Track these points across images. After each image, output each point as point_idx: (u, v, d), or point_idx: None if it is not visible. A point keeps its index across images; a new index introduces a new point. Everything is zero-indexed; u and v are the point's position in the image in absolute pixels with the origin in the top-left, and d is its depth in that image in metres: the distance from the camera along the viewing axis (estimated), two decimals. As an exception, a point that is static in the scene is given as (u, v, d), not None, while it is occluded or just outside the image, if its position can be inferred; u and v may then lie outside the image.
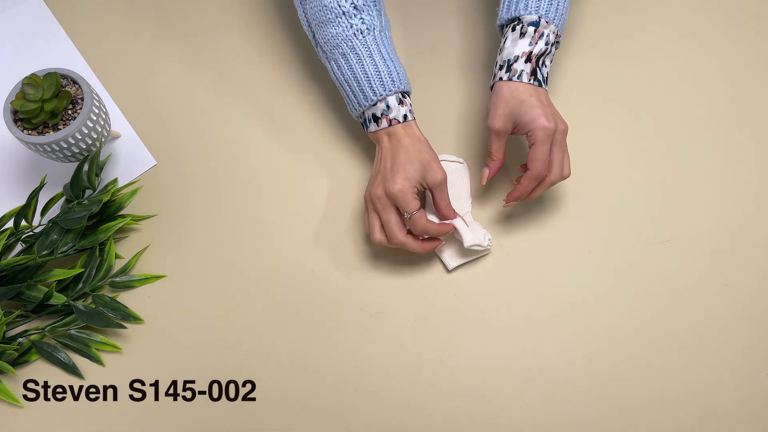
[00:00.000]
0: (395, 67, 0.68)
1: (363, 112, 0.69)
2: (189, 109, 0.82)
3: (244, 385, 0.69)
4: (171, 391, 0.69)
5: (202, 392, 0.69)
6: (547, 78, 0.67)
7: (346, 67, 0.68)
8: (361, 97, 0.68)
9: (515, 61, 0.66)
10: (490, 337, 0.71)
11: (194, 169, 0.79)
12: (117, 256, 0.74)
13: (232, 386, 0.70)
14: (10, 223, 0.71)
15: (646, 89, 0.81)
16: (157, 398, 0.69)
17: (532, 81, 0.65)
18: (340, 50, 0.68)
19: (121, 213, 0.75)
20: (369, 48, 0.67)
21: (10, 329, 0.71)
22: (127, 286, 0.73)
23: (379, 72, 0.67)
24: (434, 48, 0.84)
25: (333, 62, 0.70)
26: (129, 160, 0.79)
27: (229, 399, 0.69)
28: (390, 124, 0.67)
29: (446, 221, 0.69)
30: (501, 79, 0.66)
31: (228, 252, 0.75)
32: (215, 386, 0.70)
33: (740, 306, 0.71)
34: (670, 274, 0.72)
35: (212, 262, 0.74)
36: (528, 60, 0.65)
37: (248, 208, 0.77)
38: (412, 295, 0.72)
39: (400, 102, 0.68)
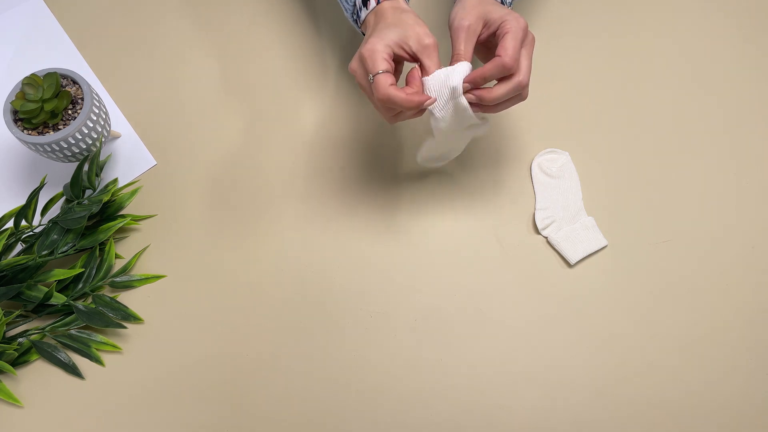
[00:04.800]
0: None
1: (355, 3, 0.64)
2: (189, 109, 0.82)
3: (244, 385, 0.69)
4: (171, 391, 0.70)
5: (201, 392, 0.69)
6: (511, 3, 0.64)
7: None
8: None
9: None
10: (490, 337, 0.71)
11: (194, 169, 0.79)
12: (117, 256, 0.74)
13: (232, 386, 0.70)
14: (10, 223, 0.71)
15: (645, 89, 0.81)
16: (157, 399, 0.69)
17: None
18: None
19: (121, 213, 0.75)
20: None
21: (10, 329, 0.71)
22: (127, 286, 0.73)
23: None
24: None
25: None
26: (129, 160, 0.79)
27: (229, 399, 0.69)
28: (378, 3, 0.62)
29: (426, 95, 0.60)
30: None
31: (228, 252, 0.75)
32: (215, 386, 0.70)
33: (740, 306, 0.71)
34: (670, 274, 0.72)
35: (212, 262, 0.74)
36: None
37: (248, 208, 0.77)
38: (412, 295, 0.72)
39: None
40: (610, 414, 0.68)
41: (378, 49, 0.58)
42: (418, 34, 0.59)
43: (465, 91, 0.59)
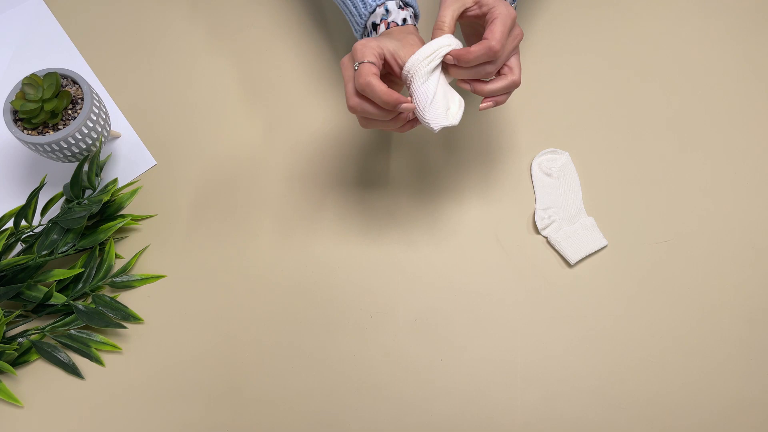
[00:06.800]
0: None
1: (365, 25, 0.66)
2: (189, 109, 0.82)
3: (244, 384, 0.69)
4: (171, 390, 0.70)
5: (202, 392, 0.69)
6: None
7: None
8: (361, 5, 0.65)
9: None
10: (490, 337, 0.71)
11: (194, 169, 0.79)
12: (117, 256, 0.74)
13: (231, 386, 0.70)
14: (10, 223, 0.71)
15: (646, 89, 0.81)
16: (157, 398, 0.69)
17: None
18: None
19: (121, 213, 0.75)
20: None
21: (10, 329, 0.71)
22: (127, 286, 0.73)
23: None
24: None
25: None
26: (129, 160, 0.79)
27: (228, 399, 0.69)
28: (388, 27, 0.64)
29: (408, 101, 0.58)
30: None
31: (228, 252, 0.75)
32: (215, 386, 0.70)
33: (740, 306, 0.71)
34: (670, 274, 0.72)
35: (212, 262, 0.74)
36: None
37: (248, 208, 0.77)
38: (412, 295, 0.72)
39: (401, 8, 0.65)
40: (609, 413, 0.68)
41: (372, 46, 0.59)
42: (410, 49, 0.60)
43: (460, 79, 0.60)
